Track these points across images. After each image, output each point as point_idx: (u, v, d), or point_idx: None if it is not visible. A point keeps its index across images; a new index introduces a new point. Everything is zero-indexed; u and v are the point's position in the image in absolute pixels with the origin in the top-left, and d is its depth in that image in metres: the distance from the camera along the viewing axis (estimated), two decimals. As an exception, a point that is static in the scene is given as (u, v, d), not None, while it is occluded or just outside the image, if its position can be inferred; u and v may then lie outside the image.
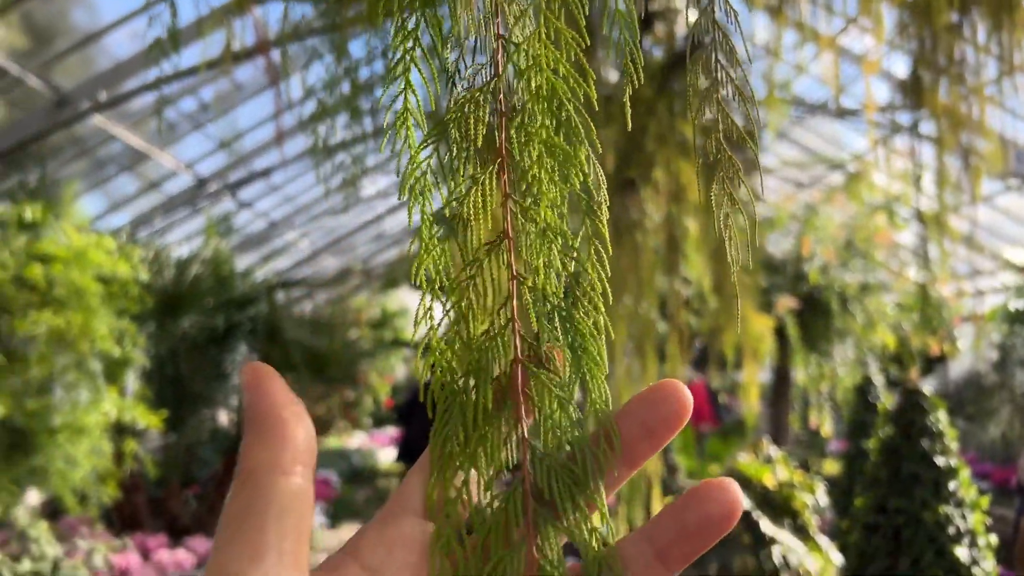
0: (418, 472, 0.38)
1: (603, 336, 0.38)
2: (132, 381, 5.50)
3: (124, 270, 4.40)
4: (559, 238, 0.38)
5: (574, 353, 0.37)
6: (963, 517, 3.01)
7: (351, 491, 8.28)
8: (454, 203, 0.37)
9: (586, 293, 0.38)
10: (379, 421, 12.72)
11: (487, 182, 0.37)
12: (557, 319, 0.38)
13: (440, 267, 0.38)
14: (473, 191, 0.37)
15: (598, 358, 0.38)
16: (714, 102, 0.44)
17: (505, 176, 0.38)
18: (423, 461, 0.38)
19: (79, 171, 5.71)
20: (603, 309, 0.38)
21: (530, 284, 0.38)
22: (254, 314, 5.82)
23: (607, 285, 0.38)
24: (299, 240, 9.11)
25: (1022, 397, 7.49)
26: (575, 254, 0.38)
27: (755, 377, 3.59)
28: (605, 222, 0.38)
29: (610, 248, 0.38)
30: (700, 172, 0.48)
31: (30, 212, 4.20)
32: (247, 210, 7.49)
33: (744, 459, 3.97)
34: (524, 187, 0.38)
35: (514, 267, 0.37)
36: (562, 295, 0.38)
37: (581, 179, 0.37)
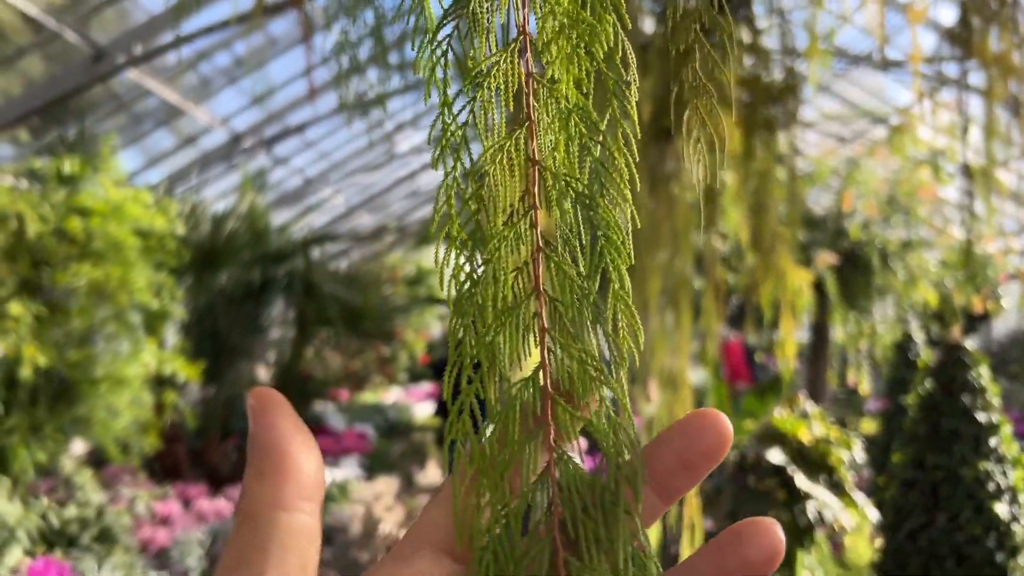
0: (435, 506, 0.36)
1: (629, 227, 0.35)
2: (171, 334, 5.59)
3: (161, 224, 4.44)
4: (583, 118, 0.35)
5: (595, 243, 0.35)
6: (1004, 474, 2.96)
7: (386, 445, 8.38)
8: (475, 79, 0.35)
9: (612, 179, 0.35)
10: (415, 377, 12.82)
11: (506, 59, 0.34)
12: (579, 206, 0.35)
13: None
14: (494, 71, 0.35)
15: (621, 248, 0.35)
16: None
17: (528, 54, 0.35)
18: (441, 496, 0.36)
19: (116, 126, 5.75)
20: (630, 198, 0.35)
21: (552, 169, 0.35)
22: (290, 269, 5.86)
23: (635, 171, 0.35)
24: (334, 197, 9.14)
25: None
26: (600, 136, 0.35)
27: (792, 332, 3.53)
28: (634, 104, 0.35)
29: (639, 132, 0.35)
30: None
31: (69, 166, 4.24)
32: (282, 166, 7.51)
33: (780, 415, 3.94)
34: (546, 62, 0.35)
35: (535, 151, 0.35)
36: (586, 181, 0.35)
37: (606, 51, 0.35)
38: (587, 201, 0.35)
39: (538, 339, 0.35)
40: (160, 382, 5.00)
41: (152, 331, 4.61)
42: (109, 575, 3.61)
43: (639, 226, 0.35)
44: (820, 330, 6.38)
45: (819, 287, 5.85)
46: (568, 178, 0.35)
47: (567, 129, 0.35)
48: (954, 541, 2.88)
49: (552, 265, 0.35)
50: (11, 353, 3.75)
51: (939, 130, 5.77)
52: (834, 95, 7.02)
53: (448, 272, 0.36)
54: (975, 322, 7.70)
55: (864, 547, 3.48)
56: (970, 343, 3.27)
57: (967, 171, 5.11)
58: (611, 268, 0.35)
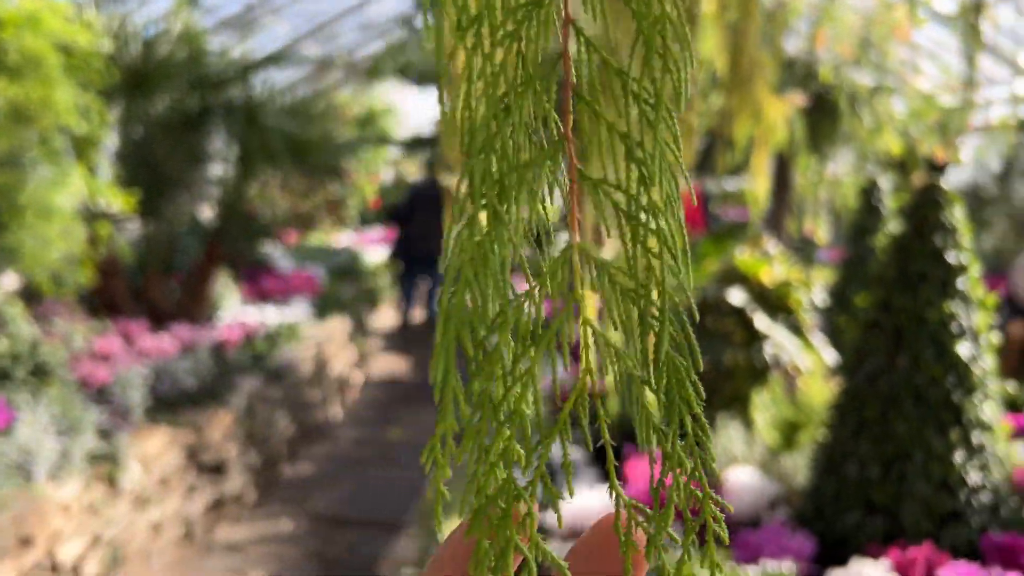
0: (450, 550, 0.33)
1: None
2: (104, 164, 5.26)
3: (85, 40, 4.07)
4: None
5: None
6: (968, 315, 2.91)
7: (337, 287, 8.25)
8: None
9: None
10: (366, 220, 12.59)
11: None
12: None
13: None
14: None
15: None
16: None
17: None
18: (453, 537, 0.33)
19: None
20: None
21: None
22: (230, 97, 5.49)
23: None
24: (277, 24, 8.57)
25: (1019, 210, 7.39)
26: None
27: (764, 169, 3.39)
28: None
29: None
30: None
31: (-26, -32, 3.80)
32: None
33: (742, 254, 3.85)
34: None
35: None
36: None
37: None
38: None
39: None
40: (94, 214, 4.74)
41: (81, 158, 4.31)
42: (46, 409, 3.47)
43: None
44: (782, 175, 6.27)
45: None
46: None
47: None
48: (914, 383, 2.86)
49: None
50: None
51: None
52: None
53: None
54: (935, 172, 7.67)
55: (820, 388, 3.48)
56: (945, 183, 3.16)
57: (963, 13, 4.89)
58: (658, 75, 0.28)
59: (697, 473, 0.27)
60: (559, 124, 0.27)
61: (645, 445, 0.26)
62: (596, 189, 0.27)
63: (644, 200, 0.26)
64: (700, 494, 0.27)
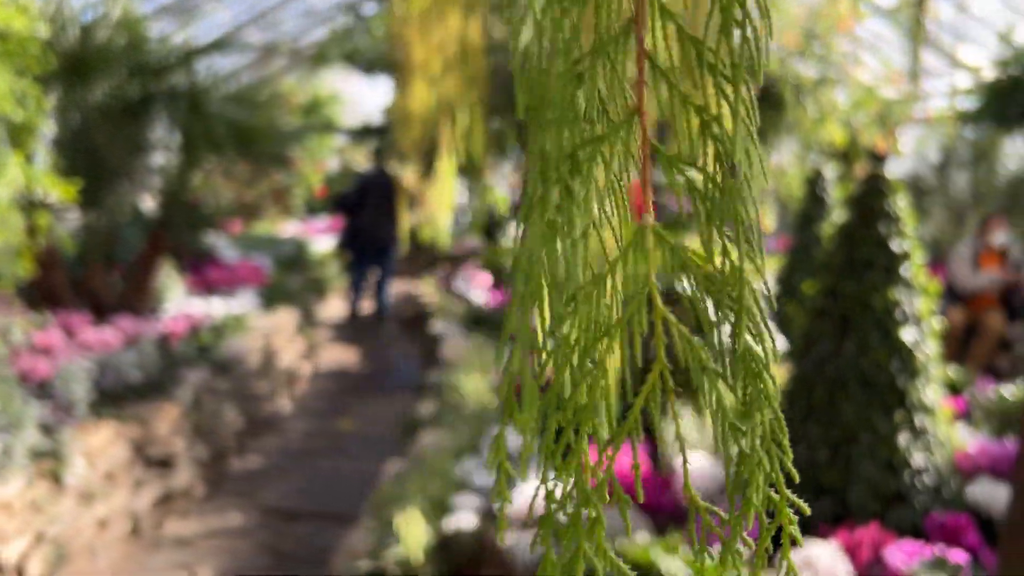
0: None
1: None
2: (43, 154, 5.10)
3: (21, 24, 3.94)
4: None
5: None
6: (911, 301, 2.99)
7: (284, 277, 8.14)
8: None
9: None
10: (312, 209, 12.43)
11: None
12: None
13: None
14: None
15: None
16: None
17: None
18: None
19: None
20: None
21: None
22: (173, 84, 5.36)
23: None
24: (219, 10, 8.40)
25: (957, 200, 7.59)
26: None
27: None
28: None
29: None
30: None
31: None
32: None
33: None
34: None
35: None
36: None
37: None
38: None
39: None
40: (32, 204, 4.59)
41: (18, 146, 4.16)
42: (-16, 405, 3.36)
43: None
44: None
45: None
46: None
47: None
48: (860, 367, 2.93)
49: None
50: None
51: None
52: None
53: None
54: (877, 162, 7.83)
55: (774, 375, 3.53)
56: (889, 173, 3.24)
57: (905, 8, 4.98)
58: None
59: (775, 475, 0.26)
60: (631, 96, 0.25)
61: (722, 445, 0.25)
62: (671, 166, 0.25)
63: (719, 178, 0.25)
64: (776, 496, 0.25)
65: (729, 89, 0.26)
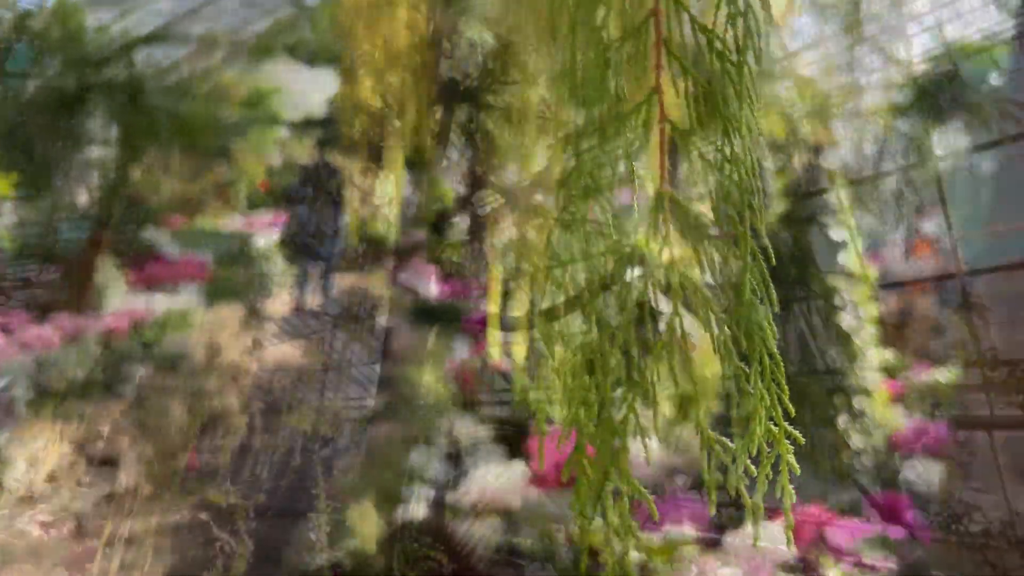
0: None
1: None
2: (-26, 147, 4.97)
3: (-49, 13, 3.83)
4: None
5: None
6: (849, 288, 3.09)
7: (228, 272, 8.02)
8: None
9: None
10: (254, 204, 12.24)
11: None
12: None
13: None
14: None
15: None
16: None
17: None
18: None
19: None
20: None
21: None
22: (110, 76, 5.25)
23: None
24: (158, 1, 8.22)
25: (890, 192, 7.81)
26: None
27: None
28: None
29: None
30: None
31: None
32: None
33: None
34: None
35: None
36: None
37: None
38: None
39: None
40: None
41: (-51, 140, 4.06)
42: (-80, 407, 3.27)
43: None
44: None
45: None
46: None
47: None
48: (801, 352, 3.01)
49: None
50: None
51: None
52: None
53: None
54: (815, 154, 8.02)
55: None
56: (827, 164, 3.33)
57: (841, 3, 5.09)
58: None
59: (774, 410, 0.28)
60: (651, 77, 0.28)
61: (729, 379, 0.28)
62: (685, 140, 0.28)
63: (728, 151, 0.27)
64: (776, 429, 0.28)
65: (734, 72, 0.28)
